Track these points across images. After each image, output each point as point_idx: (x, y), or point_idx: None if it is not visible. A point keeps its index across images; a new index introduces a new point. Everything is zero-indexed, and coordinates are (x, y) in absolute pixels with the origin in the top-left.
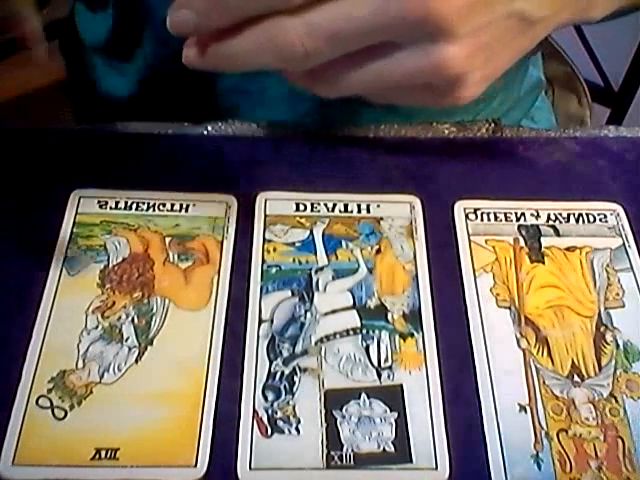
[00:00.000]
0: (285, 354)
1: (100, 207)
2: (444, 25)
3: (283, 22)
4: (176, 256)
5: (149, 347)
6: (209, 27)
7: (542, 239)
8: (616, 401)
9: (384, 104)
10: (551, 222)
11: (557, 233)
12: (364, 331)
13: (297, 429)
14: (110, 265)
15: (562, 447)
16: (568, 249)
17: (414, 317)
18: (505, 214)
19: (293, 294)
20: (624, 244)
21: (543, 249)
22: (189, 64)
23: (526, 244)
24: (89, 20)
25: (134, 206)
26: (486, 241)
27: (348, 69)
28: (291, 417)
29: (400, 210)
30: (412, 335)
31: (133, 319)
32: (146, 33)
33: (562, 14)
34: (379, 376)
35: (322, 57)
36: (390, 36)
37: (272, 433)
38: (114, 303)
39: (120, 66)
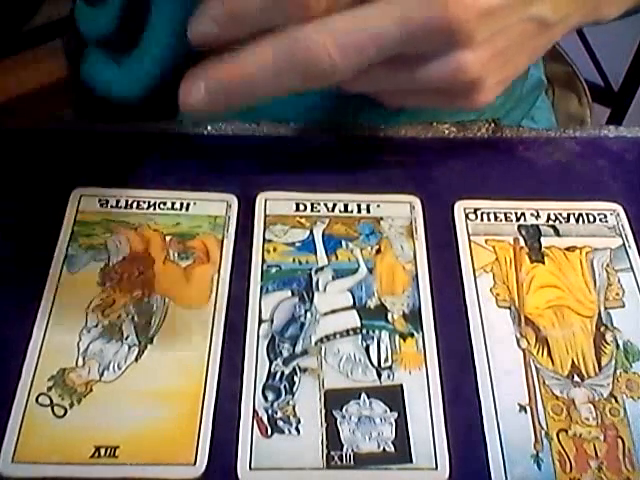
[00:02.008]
0: (285, 354)
1: (101, 206)
2: (464, 32)
3: (306, 33)
4: (176, 255)
5: (149, 345)
6: (229, 38)
7: (542, 239)
8: (616, 401)
9: (396, 107)
10: (551, 222)
11: (557, 233)
12: (364, 331)
13: (297, 429)
14: (110, 263)
15: (562, 447)
16: (568, 249)
17: (414, 317)
18: (505, 214)
19: (293, 294)
20: (624, 244)
21: (543, 249)
22: (191, 109)
23: (526, 244)
24: (88, 15)
25: (135, 205)
26: (486, 241)
27: (368, 74)
28: (291, 417)
29: (400, 210)
30: (412, 335)
31: (133, 317)
32: (148, 28)
33: (575, 16)
34: (379, 376)
35: (348, 70)
36: (413, 46)
37: (272, 433)
38: (114, 301)
39: (121, 61)
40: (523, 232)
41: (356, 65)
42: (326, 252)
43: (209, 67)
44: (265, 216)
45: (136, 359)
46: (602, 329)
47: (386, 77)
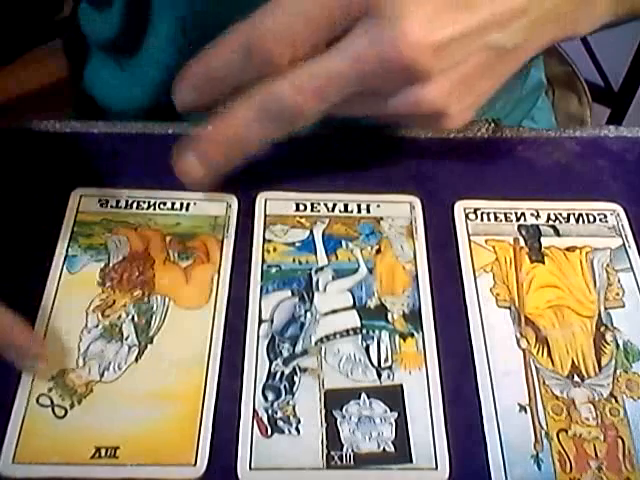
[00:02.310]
0: (285, 354)
1: (101, 206)
2: (419, 68)
3: (274, 88)
4: (176, 255)
5: (149, 346)
6: (207, 100)
7: (542, 239)
8: (616, 401)
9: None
10: (551, 222)
11: (557, 233)
12: (364, 331)
13: (297, 429)
14: (110, 264)
15: (562, 447)
16: (568, 249)
17: (414, 317)
18: (505, 214)
19: (293, 294)
20: (624, 244)
21: (543, 249)
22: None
23: (526, 244)
24: (94, 18)
25: (135, 205)
26: (486, 241)
27: (343, 104)
28: (291, 417)
29: (400, 210)
30: (412, 335)
31: (133, 318)
32: (151, 34)
33: (543, 37)
34: (379, 376)
35: (315, 111)
36: (371, 83)
37: (272, 433)
38: (114, 302)
39: (124, 65)
40: (523, 232)
41: (322, 105)
42: (326, 252)
43: (196, 140)
44: (265, 216)
45: (136, 359)
46: (602, 329)
47: (360, 105)
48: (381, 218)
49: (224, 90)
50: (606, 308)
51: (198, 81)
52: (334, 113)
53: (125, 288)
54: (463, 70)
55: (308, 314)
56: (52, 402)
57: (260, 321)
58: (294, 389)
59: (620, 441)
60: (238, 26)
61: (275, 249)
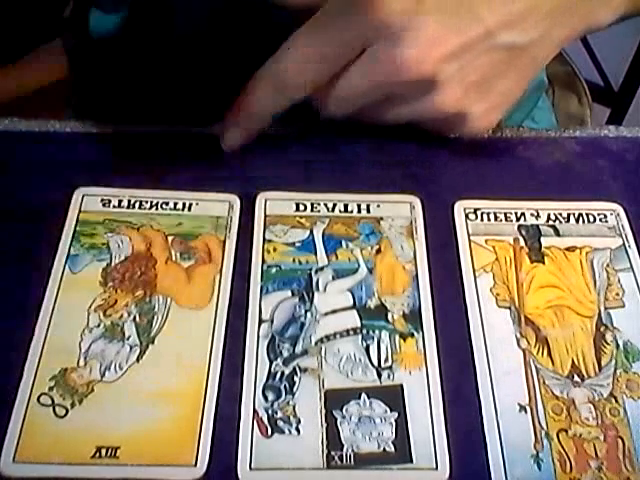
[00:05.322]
0: (285, 354)
1: (103, 205)
2: (424, 79)
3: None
4: (178, 255)
5: (150, 346)
6: (251, 133)
7: (542, 239)
8: (616, 401)
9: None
10: (551, 222)
11: (557, 233)
12: (364, 331)
13: (297, 429)
14: (112, 263)
15: (562, 447)
16: (568, 249)
17: (414, 317)
18: (505, 214)
19: (293, 294)
20: (624, 244)
21: (543, 249)
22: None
23: (526, 244)
24: (101, 18)
25: (137, 204)
26: (486, 241)
27: (366, 111)
28: (291, 417)
29: (400, 210)
30: (412, 335)
31: (135, 317)
32: (161, 34)
33: (560, 30)
34: (379, 376)
35: (339, 114)
36: (384, 94)
37: (272, 433)
38: (116, 301)
39: (131, 65)
40: (523, 232)
41: (345, 108)
42: (326, 252)
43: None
44: (265, 216)
45: (137, 359)
46: (602, 329)
47: (384, 112)
48: (381, 218)
49: (262, 121)
50: (606, 308)
51: (239, 118)
52: (362, 118)
53: (127, 288)
54: (475, 71)
55: (308, 314)
56: (53, 401)
57: (260, 321)
58: (294, 389)
59: (620, 441)
60: (264, 67)
61: (275, 249)
